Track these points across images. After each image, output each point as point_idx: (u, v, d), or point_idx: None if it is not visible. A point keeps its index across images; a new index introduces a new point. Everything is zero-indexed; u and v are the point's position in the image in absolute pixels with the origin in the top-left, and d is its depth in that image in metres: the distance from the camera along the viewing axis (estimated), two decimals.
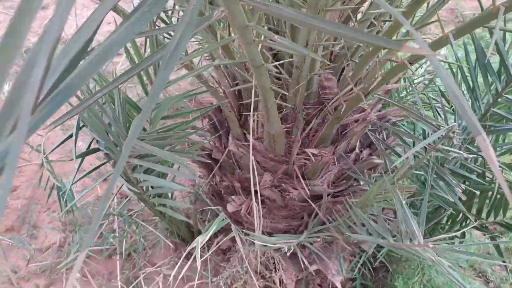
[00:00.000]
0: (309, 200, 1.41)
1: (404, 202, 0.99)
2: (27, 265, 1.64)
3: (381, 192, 1.14)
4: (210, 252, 1.44)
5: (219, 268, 1.63)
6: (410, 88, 1.51)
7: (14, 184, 2.00)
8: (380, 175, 1.30)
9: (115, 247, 1.66)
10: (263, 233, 1.47)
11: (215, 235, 1.76)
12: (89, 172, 1.22)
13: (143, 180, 1.18)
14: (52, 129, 2.22)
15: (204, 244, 1.75)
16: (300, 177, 1.36)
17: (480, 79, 1.24)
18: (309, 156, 1.38)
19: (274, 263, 1.50)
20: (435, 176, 1.13)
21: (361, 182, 1.41)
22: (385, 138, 1.41)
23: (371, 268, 1.59)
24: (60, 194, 1.60)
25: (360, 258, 1.52)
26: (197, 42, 1.58)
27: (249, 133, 1.41)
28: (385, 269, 1.72)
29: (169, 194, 1.37)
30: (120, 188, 1.51)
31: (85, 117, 1.07)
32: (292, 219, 1.58)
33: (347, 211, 1.27)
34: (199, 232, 1.75)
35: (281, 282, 1.50)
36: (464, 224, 1.45)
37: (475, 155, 1.22)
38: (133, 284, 1.51)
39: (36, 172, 2.08)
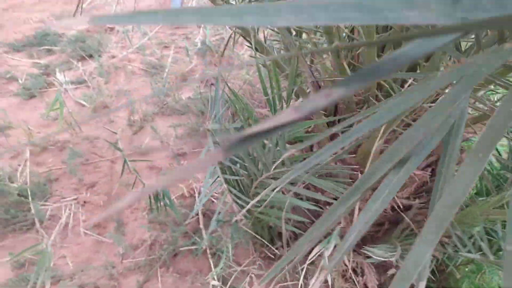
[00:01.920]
0: (398, 210, 1.52)
1: None
2: (121, 261, 1.75)
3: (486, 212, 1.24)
4: (309, 258, 1.55)
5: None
6: None
7: (92, 180, 2.10)
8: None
9: (200, 246, 1.77)
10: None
11: (295, 237, 1.88)
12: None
13: (266, 195, 1.28)
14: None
15: (284, 245, 1.87)
16: None
17: None
18: None
19: (360, 268, 1.63)
20: None
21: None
22: None
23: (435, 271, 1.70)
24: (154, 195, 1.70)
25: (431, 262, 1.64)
26: None
27: None
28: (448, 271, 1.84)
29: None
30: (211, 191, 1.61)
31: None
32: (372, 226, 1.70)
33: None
34: (279, 236, 1.86)
35: (366, 286, 1.62)
36: None
37: None
38: (229, 284, 1.63)
39: (110, 167, 2.18)
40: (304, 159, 1.13)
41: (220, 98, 1.37)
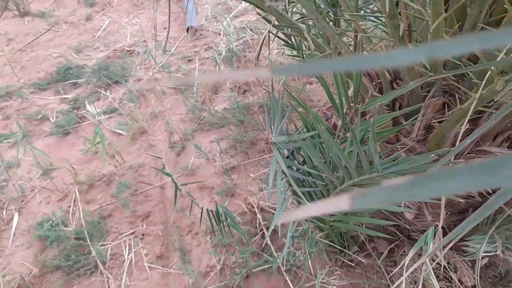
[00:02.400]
0: (486, 194, 1.39)
1: None
2: None
3: None
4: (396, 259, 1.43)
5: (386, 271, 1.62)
6: None
7: (146, 210, 2.02)
8: None
9: (274, 265, 1.66)
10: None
11: (371, 239, 1.75)
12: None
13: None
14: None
15: (358, 250, 1.75)
16: None
17: None
18: (486, 155, 1.37)
19: (452, 264, 1.50)
20: None
21: None
22: None
23: None
24: (214, 216, 1.61)
25: None
26: None
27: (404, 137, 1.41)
28: None
29: None
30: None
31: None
32: (451, 215, 1.57)
33: None
34: (353, 239, 1.74)
35: (461, 282, 1.49)
36: None
37: None
38: None
39: (161, 194, 2.10)
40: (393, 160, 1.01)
41: (278, 105, 1.26)
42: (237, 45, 3.02)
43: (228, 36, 3.12)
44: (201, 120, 2.47)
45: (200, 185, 2.09)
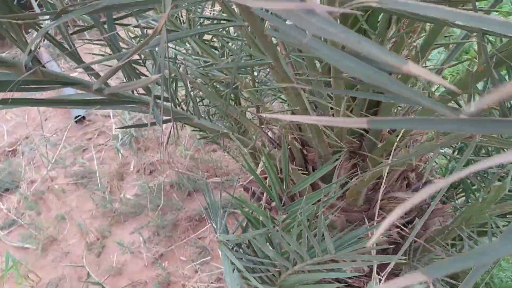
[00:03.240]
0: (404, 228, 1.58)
1: None
2: None
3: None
4: None
5: None
6: None
7: None
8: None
9: None
10: None
11: None
12: None
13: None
14: None
15: None
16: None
17: None
18: (394, 200, 1.58)
19: None
20: None
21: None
22: None
23: None
24: None
25: None
26: None
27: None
28: None
29: None
30: None
31: None
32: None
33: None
34: None
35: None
36: None
37: None
38: None
39: None
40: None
41: (218, 202, 1.31)
42: (132, 124, 2.99)
43: (118, 117, 3.08)
44: (114, 212, 2.39)
45: (132, 283, 2.01)
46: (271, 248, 1.19)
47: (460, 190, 1.85)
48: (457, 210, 1.79)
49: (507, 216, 1.50)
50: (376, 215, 1.27)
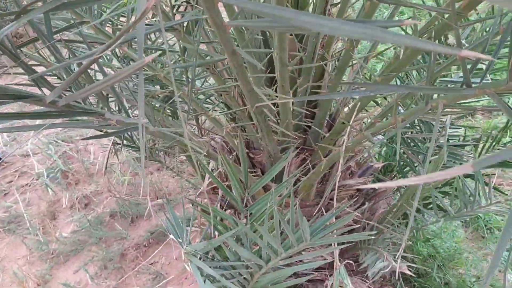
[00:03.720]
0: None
1: None
2: None
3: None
4: None
5: None
6: None
7: None
8: None
9: None
10: None
11: None
12: None
13: None
14: None
15: None
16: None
17: None
18: (343, 189, 1.66)
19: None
20: None
21: None
22: None
23: None
24: None
25: None
26: None
27: None
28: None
29: None
30: None
31: None
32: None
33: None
34: None
35: None
36: None
37: None
38: None
39: None
40: None
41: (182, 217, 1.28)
42: (55, 160, 2.80)
43: (40, 154, 2.88)
44: (52, 253, 2.21)
45: None
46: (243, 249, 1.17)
47: (395, 172, 1.98)
48: (396, 191, 1.91)
49: (446, 186, 1.63)
50: (335, 203, 1.31)
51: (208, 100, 1.79)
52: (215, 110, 1.73)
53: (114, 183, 2.52)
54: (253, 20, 0.49)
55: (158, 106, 1.73)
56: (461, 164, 1.56)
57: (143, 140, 0.50)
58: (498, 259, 0.30)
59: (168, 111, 1.82)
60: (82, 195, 2.52)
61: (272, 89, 1.27)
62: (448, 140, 1.61)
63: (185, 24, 1.14)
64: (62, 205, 2.51)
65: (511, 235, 0.31)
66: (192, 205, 1.86)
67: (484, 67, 1.16)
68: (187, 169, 2.54)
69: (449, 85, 1.22)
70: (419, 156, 1.61)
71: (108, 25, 1.30)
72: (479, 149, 1.62)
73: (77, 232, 2.31)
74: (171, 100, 1.70)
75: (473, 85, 0.52)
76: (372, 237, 1.34)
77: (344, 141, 1.19)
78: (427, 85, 0.68)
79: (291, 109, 1.27)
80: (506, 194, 1.44)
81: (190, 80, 1.40)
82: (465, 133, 1.74)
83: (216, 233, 1.27)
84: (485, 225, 2.22)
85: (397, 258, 1.42)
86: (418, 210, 1.56)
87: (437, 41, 1.10)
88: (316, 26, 0.31)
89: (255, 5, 0.37)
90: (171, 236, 1.29)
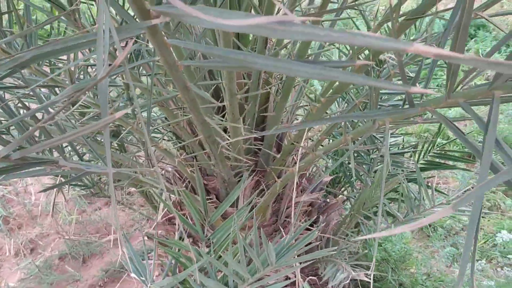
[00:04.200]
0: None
1: None
2: None
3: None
4: None
5: None
6: None
7: None
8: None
9: None
10: None
11: None
12: None
13: None
14: None
15: None
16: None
17: None
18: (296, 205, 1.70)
19: None
20: None
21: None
22: None
23: None
24: None
25: None
26: None
27: None
28: None
29: None
30: None
31: None
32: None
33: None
34: None
35: None
36: None
37: None
38: None
39: None
40: None
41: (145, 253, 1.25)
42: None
43: None
44: None
45: None
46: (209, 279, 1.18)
47: (343, 184, 2.06)
48: (346, 200, 1.98)
49: (391, 192, 1.72)
50: (293, 219, 1.35)
51: (155, 130, 1.79)
52: (165, 140, 1.73)
53: (61, 223, 2.41)
54: (204, 60, 0.51)
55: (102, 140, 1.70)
56: (403, 171, 1.67)
57: (114, 190, 0.51)
58: (465, 265, 0.33)
59: (115, 144, 1.79)
60: (27, 239, 2.38)
61: (220, 116, 1.30)
62: (389, 149, 1.72)
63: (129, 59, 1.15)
64: (5, 253, 2.36)
65: (473, 239, 0.35)
66: (148, 238, 1.84)
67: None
68: (136, 200, 2.49)
69: (393, 104, 1.31)
70: (363, 166, 1.70)
71: (45, 64, 1.27)
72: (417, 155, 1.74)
73: (25, 280, 2.18)
74: (120, 135, 1.68)
75: (415, 103, 0.58)
76: (333, 252, 1.39)
77: (297, 162, 1.24)
78: (373, 108, 0.74)
79: (243, 134, 1.31)
80: (447, 195, 1.55)
81: (136, 113, 1.40)
82: (403, 141, 1.85)
83: (178, 265, 1.26)
84: (430, 225, 2.36)
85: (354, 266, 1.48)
86: (368, 218, 1.63)
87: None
88: (271, 67, 0.34)
89: (208, 48, 0.40)
90: (133, 274, 1.27)
